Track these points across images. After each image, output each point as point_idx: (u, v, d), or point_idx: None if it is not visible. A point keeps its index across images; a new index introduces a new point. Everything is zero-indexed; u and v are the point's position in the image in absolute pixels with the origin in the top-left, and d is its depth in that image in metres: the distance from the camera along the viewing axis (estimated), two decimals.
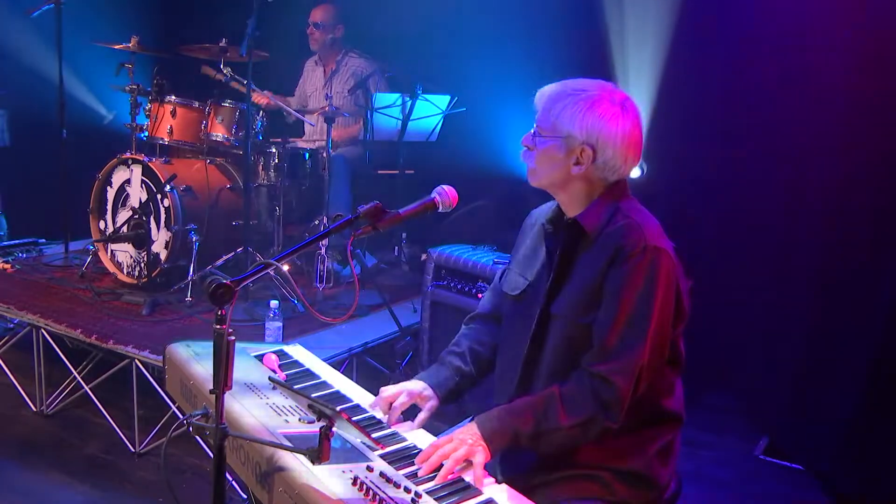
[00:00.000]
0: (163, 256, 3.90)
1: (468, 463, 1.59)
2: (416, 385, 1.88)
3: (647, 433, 1.73)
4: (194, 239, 3.87)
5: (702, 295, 1.86)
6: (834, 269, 3.32)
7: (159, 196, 3.89)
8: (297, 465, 1.47)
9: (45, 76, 4.86)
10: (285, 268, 1.60)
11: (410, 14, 4.78)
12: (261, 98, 4.47)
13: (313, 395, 1.49)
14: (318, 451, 1.39)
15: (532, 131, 1.76)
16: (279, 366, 2.04)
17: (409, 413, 1.86)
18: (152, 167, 3.90)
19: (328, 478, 1.44)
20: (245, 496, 2.75)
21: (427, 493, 1.46)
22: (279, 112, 4.77)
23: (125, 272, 4.04)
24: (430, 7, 4.70)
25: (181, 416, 2.88)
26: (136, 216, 3.97)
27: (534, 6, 4.34)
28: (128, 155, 4.03)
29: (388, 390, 1.85)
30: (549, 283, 1.76)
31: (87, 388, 3.39)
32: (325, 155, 4.21)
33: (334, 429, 1.41)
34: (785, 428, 3.52)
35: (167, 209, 3.87)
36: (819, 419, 3.31)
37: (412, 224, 4.61)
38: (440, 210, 1.84)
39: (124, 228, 4.00)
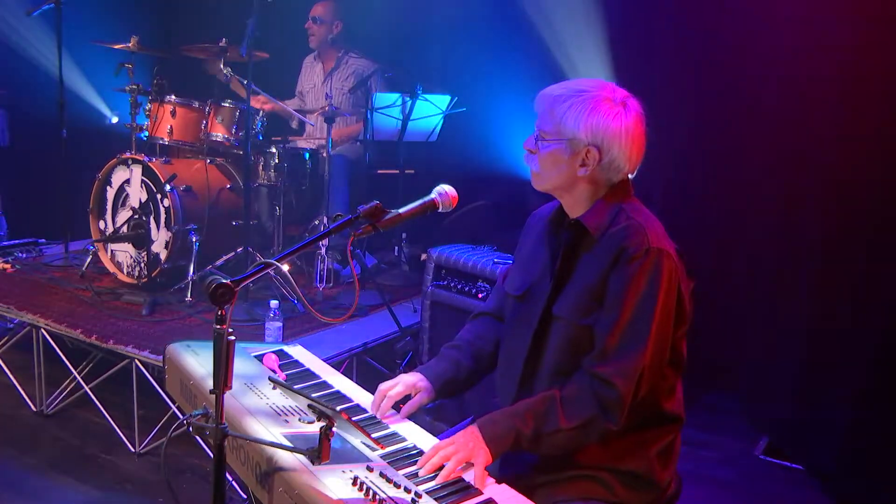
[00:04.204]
0: (163, 256, 3.90)
1: (469, 465, 1.59)
2: (411, 376, 1.89)
3: (647, 434, 1.73)
4: (194, 239, 3.87)
5: (702, 295, 1.86)
6: (834, 268, 3.32)
7: (159, 196, 3.89)
8: (297, 465, 1.47)
9: (44, 76, 4.87)
10: (285, 268, 1.60)
11: (410, 14, 4.78)
12: (259, 103, 4.47)
13: (313, 395, 1.49)
14: (318, 451, 1.39)
15: (534, 135, 1.76)
16: (279, 366, 2.04)
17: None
18: (152, 167, 3.90)
19: (328, 478, 1.44)
20: (245, 496, 2.75)
21: (427, 493, 1.46)
22: (279, 115, 4.76)
23: (125, 272, 4.04)
24: (430, 7, 4.70)
25: (181, 416, 2.88)
26: (136, 216, 3.97)
27: (534, 6, 4.34)
28: (128, 155, 4.03)
29: (384, 384, 1.87)
30: (551, 283, 1.76)
31: (87, 388, 3.39)
32: (325, 155, 4.22)
33: (334, 429, 1.41)
34: (785, 428, 3.52)
35: (167, 209, 3.87)
36: (819, 419, 3.31)
37: (412, 224, 4.61)
38: (440, 210, 1.84)
39: (124, 228, 4.00)
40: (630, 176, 1.77)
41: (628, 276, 1.62)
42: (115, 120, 5.31)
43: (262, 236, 4.26)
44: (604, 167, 1.70)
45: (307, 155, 4.31)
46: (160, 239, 3.91)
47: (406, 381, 1.86)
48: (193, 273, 3.84)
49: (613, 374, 1.61)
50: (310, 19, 4.78)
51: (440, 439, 1.70)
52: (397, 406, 1.87)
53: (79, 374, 3.43)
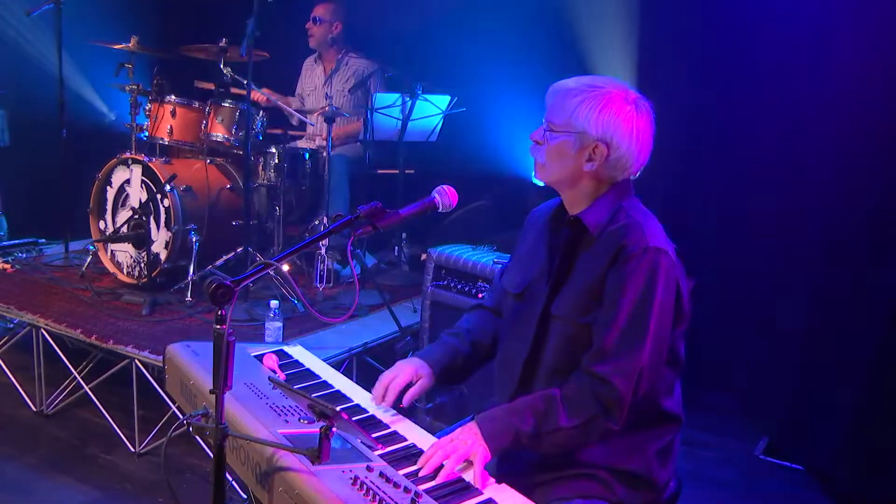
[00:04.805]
0: (163, 256, 3.90)
1: (468, 463, 1.59)
2: (411, 363, 1.90)
3: (646, 434, 1.73)
4: (194, 239, 3.87)
5: (702, 295, 1.86)
6: (834, 268, 3.32)
7: (159, 196, 3.89)
8: (297, 465, 1.47)
9: (44, 76, 4.86)
10: (285, 268, 1.61)
11: (410, 14, 4.78)
12: (259, 96, 4.47)
13: (313, 395, 1.49)
14: (318, 451, 1.39)
15: (542, 126, 1.76)
16: (279, 366, 2.04)
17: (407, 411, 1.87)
18: (152, 167, 3.90)
19: (328, 478, 1.44)
20: (245, 496, 2.75)
21: (427, 493, 1.46)
22: (280, 112, 4.76)
23: (125, 272, 4.04)
24: (430, 7, 4.70)
25: (181, 416, 2.88)
26: (136, 216, 3.97)
27: (534, 6, 4.34)
28: (128, 155, 4.03)
29: (385, 375, 1.87)
30: (550, 282, 1.76)
31: (87, 388, 3.39)
32: (325, 155, 4.22)
33: (334, 429, 1.41)
34: (785, 428, 3.52)
35: (167, 209, 3.87)
36: (819, 419, 3.31)
37: (412, 224, 4.61)
38: (440, 210, 1.84)
39: (124, 228, 4.00)
40: (632, 176, 1.77)
41: (627, 275, 1.62)
42: (112, 117, 5.31)
43: (262, 236, 4.26)
44: (610, 164, 1.70)
45: (307, 155, 4.31)
46: (160, 239, 3.91)
47: (406, 370, 1.87)
48: (193, 273, 3.84)
49: (612, 373, 1.61)
50: (310, 19, 4.79)
51: (439, 437, 1.70)
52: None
53: (79, 374, 3.43)
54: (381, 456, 1.60)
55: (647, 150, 1.73)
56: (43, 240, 4.89)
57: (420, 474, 1.55)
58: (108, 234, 4.08)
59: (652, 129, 1.73)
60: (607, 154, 1.69)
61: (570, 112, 1.69)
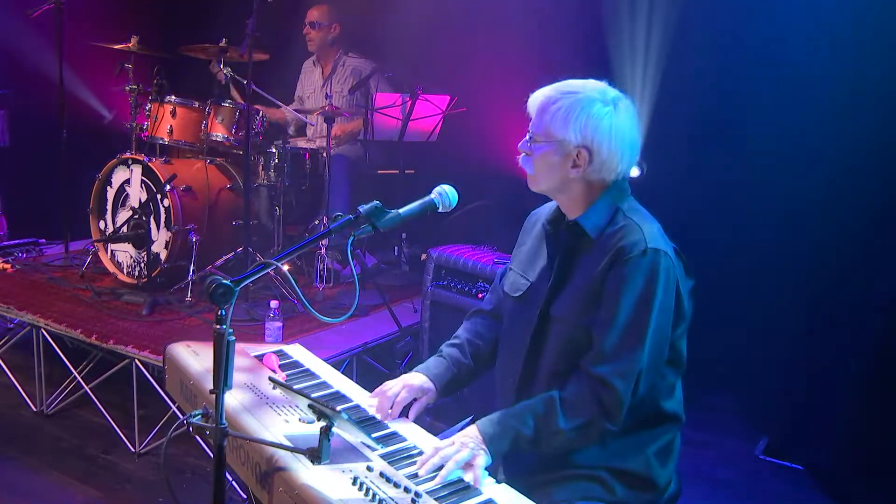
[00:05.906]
0: (163, 256, 3.90)
1: (469, 465, 1.59)
2: (415, 378, 1.89)
3: (646, 434, 1.74)
4: (194, 239, 3.87)
5: (702, 295, 1.86)
6: (833, 269, 3.32)
7: (159, 196, 3.89)
8: (297, 465, 1.48)
9: (45, 76, 4.86)
10: (285, 268, 1.61)
11: (410, 14, 4.78)
12: (278, 113, 4.49)
13: (313, 395, 1.49)
14: (318, 451, 1.39)
15: (527, 137, 1.77)
16: (279, 366, 2.04)
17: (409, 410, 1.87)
18: (152, 167, 3.90)
19: (328, 478, 1.44)
20: (245, 496, 2.75)
21: (427, 493, 1.46)
22: (276, 125, 4.77)
23: (125, 272, 4.04)
24: (429, 7, 4.70)
25: (181, 416, 2.88)
26: (136, 216, 3.97)
27: (534, 6, 4.34)
28: (128, 155, 4.03)
29: (388, 386, 1.86)
30: (550, 284, 1.77)
31: (87, 388, 3.39)
32: (325, 155, 4.22)
33: (334, 429, 1.41)
34: (785, 428, 3.52)
35: (167, 209, 3.87)
36: (819, 419, 3.31)
37: (412, 224, 4.61)
38: (440, 210, 1.84)
39: (124, 228, 4.00)
40: (634, 174, 1.77)
41: (625, 277, 1.62)
42: (110, 117, 5.30)
43: (262, 236, 4.26)
44: (595, 168, 1.70)
45: (307, 155, 4.31)
46: (160, 239, 3.91)
47: (411, 386, 1.86)
48: (193, 273, 3.84)
49: (611, 374, 1.61)
50: (306, 24, 4.78)
51: (440, 439, 1.70)
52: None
53: (79, 374, 3.43)
54: (381, 456, 1.60)
55: (632, 148, 1.72)
56: (43, 240, 4.89)
57: (419, 475, 1.55)
58: (108, 234, 4.08)
59: (635, 125, 1.73)
60: (590, 158, 1.69)
61: (548, 121, 1.70)
